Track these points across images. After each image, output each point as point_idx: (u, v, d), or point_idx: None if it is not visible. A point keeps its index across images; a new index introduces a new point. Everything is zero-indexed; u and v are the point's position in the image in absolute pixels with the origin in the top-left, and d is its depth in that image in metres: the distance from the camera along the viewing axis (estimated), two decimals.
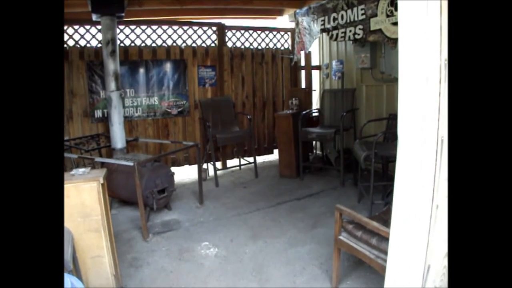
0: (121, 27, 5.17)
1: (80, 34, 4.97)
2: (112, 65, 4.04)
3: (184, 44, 5.63)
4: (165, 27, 5.48)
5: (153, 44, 5.44)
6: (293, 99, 5.57)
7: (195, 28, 5.69)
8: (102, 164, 4.22)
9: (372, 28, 3.70)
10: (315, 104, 6.39)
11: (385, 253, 1.72)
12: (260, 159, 6.21)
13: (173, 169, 4.41)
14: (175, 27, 5.55)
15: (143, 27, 5.34)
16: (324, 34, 4.52)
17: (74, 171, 2.29)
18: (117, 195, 4.08)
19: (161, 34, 5.46)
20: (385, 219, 2.37)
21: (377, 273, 2.16)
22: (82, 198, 2.16)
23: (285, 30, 6.45)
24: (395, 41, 3.42)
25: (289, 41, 6.49)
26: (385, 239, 1.98)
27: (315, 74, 6.56)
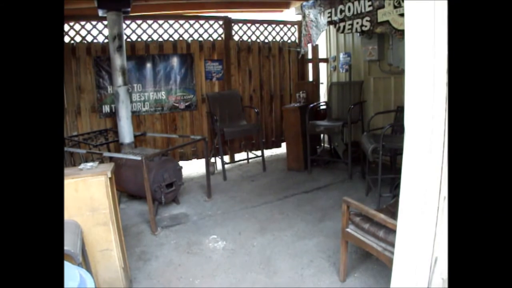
0: (128, 22, 5.18)
1: (86, 30, 5.00)
2: (119, 60, 4.06)
3: (190, 38, 5.63)
4: (171, 21, 5.47)
5: (160, 39, 5.44)
6: (301, 92, 5.55)
7: (202, 22, 5.68)
8: (111, 159, 4.26)
9: (379, 20, 3.65)
10: (323, 97, 6.35)
11: (393, 245, 1.72)
12: (267, 152, 6.21)
13: (181, 163, 4.42)
14: (182, 22, 5.55)
15: (150, 21, 5.35)
16: (331, 26, 4.48)
17: (82, 166, 2.31)
18: (125, 189, 4.11)
19: (168, 29, 5.46)
20: (393, 212, 2.36)
21: (385, 265, 2.15)
22: (91, 192, 2.19)
23: (292, 23, 6.40)
24: (402, 32, 3.37)
25: (296, 34, 6.45)
26: (393, 231, 1.97)
27: (323, 67, 6.51)
